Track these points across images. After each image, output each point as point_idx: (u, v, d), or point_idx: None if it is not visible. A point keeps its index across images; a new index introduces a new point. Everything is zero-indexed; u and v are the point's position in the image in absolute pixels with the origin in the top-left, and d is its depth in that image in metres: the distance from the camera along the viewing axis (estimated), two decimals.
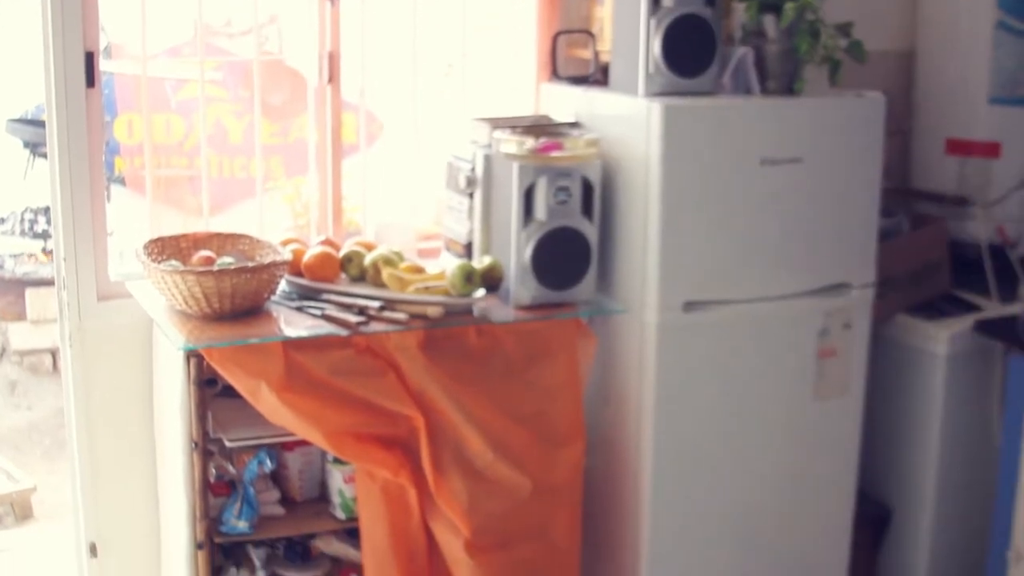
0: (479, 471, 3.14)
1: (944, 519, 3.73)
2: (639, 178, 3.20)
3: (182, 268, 3.02)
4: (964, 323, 3.62)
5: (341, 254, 3.31)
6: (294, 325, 3.03)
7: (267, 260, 3.15)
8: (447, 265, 3.27)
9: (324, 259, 3.27)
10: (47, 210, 6.65)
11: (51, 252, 5.34)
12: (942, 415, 3.64)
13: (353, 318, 3.05)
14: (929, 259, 3.79)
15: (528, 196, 3.17)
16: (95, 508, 3.45)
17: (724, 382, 3.34)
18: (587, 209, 3.24)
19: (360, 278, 3.29)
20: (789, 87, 3.34)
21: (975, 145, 3.92)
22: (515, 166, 3.16)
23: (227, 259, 3.15)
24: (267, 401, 2.92)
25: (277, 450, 3.21)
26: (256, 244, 3.30)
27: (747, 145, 3.23)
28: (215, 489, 3.13)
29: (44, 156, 6.18)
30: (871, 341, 3.55)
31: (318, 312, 3.10)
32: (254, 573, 3.25)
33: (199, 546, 3.03)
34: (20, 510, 5.21)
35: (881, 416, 3.75)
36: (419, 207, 3.84)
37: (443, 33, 3.89)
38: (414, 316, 3.08)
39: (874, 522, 3.82)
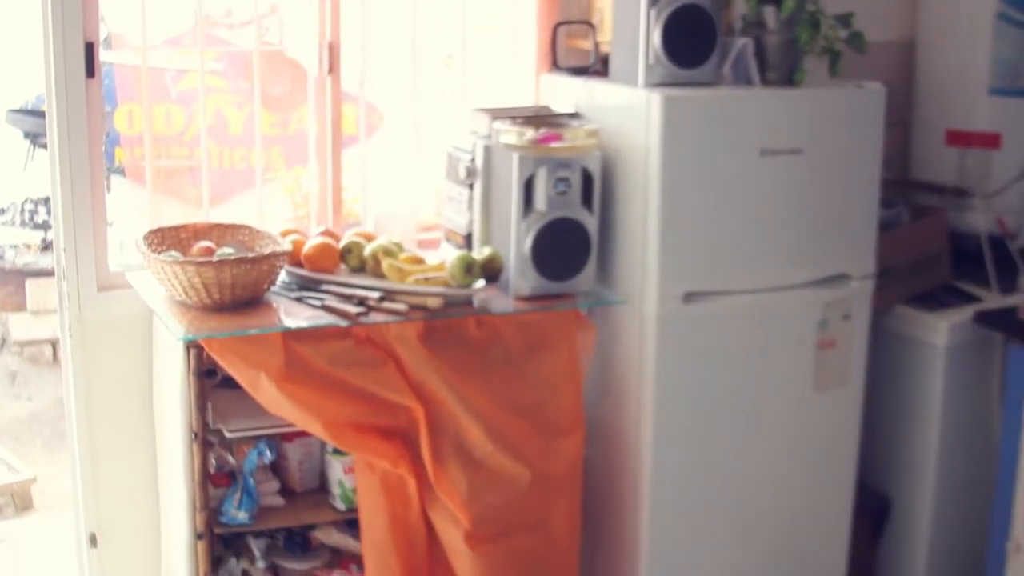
0: (478, 462, 3.14)
1: (944, 510, 3.73)
2: (639, 169, 3.20)
3: (182, 259, 3.02)
4: (964, 314, 3.62)
5: (341, 245, 3.31)
6: (294, 316, 3.03)
7: (267, 251, 3.15)
8: (447, 256, 3.27)
9: (324, 250, 3.27)
10: (47, 201, 6.66)
11: (51, 243, 5.34)
12: (942, 406, 3.65)
13: (353, 309, 3.05)
14: (929, 250, 3.79)
15: (528, 187, 3.17)
16: (95, 499, 3.45)
17: (724, 373, 3.34)
18: (587, 200, 3.23)
19: (360, 269, 3.29)
20: (789, 78, 3.34)
21: (975, 136, 3.92)
22: (515, 157, 3.15)
23: (227, 250, 3.14)
24: (267, 392, 2.92)
25: (277, 441, 3.21)
26: (256, 235, 3.30)
27: (747, 136, 3.23)
28: (215, 480, 3.14)
29: (44, 147, 6.19)
30: (871, 332, 3.55)
31: (318, 303, 3.10)
32: (254, 564, 3.26)
33: (199, 537, 3.03)
34: (20, 501, 5.22)
35: (881, 407, 3.75)
36: (419, 198, 3.84)
37: (443, 24, 3.89)
38: (414, 307, 3.08)
39: (874, 513, 3.82)
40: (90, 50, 3.23)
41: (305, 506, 3.25)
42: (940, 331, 3.60)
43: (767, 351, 3.38)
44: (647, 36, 3.21)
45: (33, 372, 6.83)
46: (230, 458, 3.20)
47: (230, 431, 3.08)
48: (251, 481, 3.13)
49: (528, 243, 3.18)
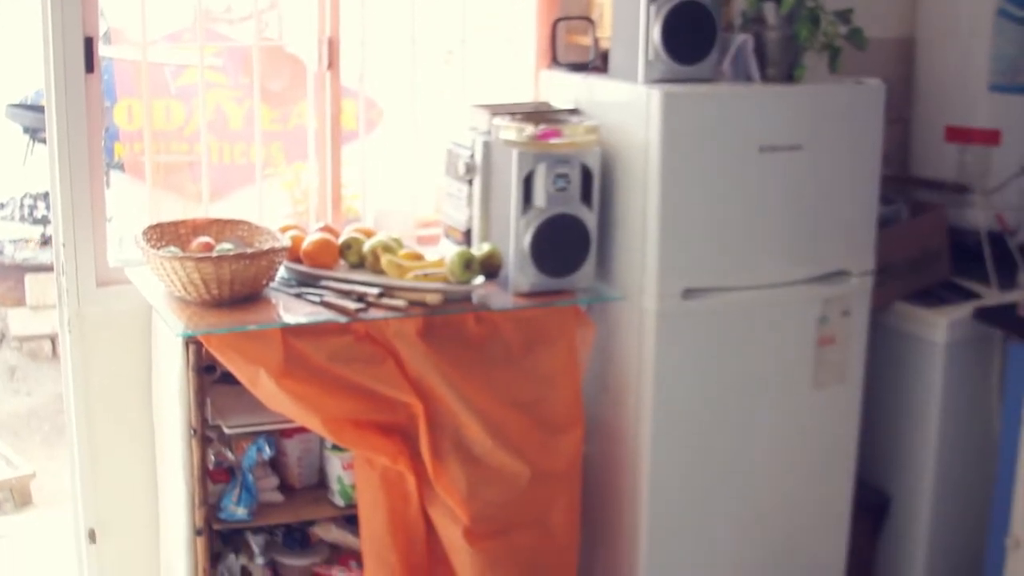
0: (478, 458, 3.14)
1: (943, 506, 3.73)
2: (638, 165, 3.20)
3: (181, 254, 3.02)
4: (963, 311, 3.61)
5: (340, 241, 3.31)
6: (293, 312, 3.03)
7: (266, 246, 3.15)
8: (446, 252, 3.27)
9: (323, 246, 3.26)
10: (46, 196, 6.65)
11: (50, 238, 5.34)
12: (941, 403, 3.64)
13: (352, 305, 3.04)
14: (928, 247, 3.78)
15: (527, 183, 3.17)
16: (94, 494, 3.45)
17: (723, 369, 3.34)
18: (586, 196, 3.23)
19: (359, 265, 3.29)
20: (789, 74, 3.34)
21: (975, 132, 3.92)
22: (514, 153, 3.15)
23: (226, 245, 3.15)
24: (266, 388, 2.92)
25: (276, 437, 3.21)
26: (255, 230, 3.30)
27: (746, 132, 3.22)
28: (214, 476, 3.13)
29: (43, 142, 6.18)
30: (870, 329, 3.55)
31: (317, 299, 3.10)
32: (253, 560, 3.26)
33: (198, 532, 3.03)
34: (19, 496, 5.22)
35: (880, 404, 3.75)
36: (418, 194, 3.83)
37: (443, 19, 3.89)
38: (413, 303, 3.08)
39: (873, 509, 3.82)
40: (89, 45, 3.23)
41: (304, 502, 3.25)
42: (939, 328, 3.60)
43: (766, 347, 3.38)
44: (647, 32, 3.21)
45: (32, 367, 6.84)
46: (229, 454, 3.20)
47: (229, 427, 3.08)
48: (250, 477, 3.12)
49: (527, 239, 3.18)
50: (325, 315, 3.02)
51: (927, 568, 3.78)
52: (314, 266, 3.25)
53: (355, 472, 3.13)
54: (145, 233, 3.16)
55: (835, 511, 3.61)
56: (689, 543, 3.44)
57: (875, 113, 3.38)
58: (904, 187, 4.02)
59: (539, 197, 3.17)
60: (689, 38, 3.23)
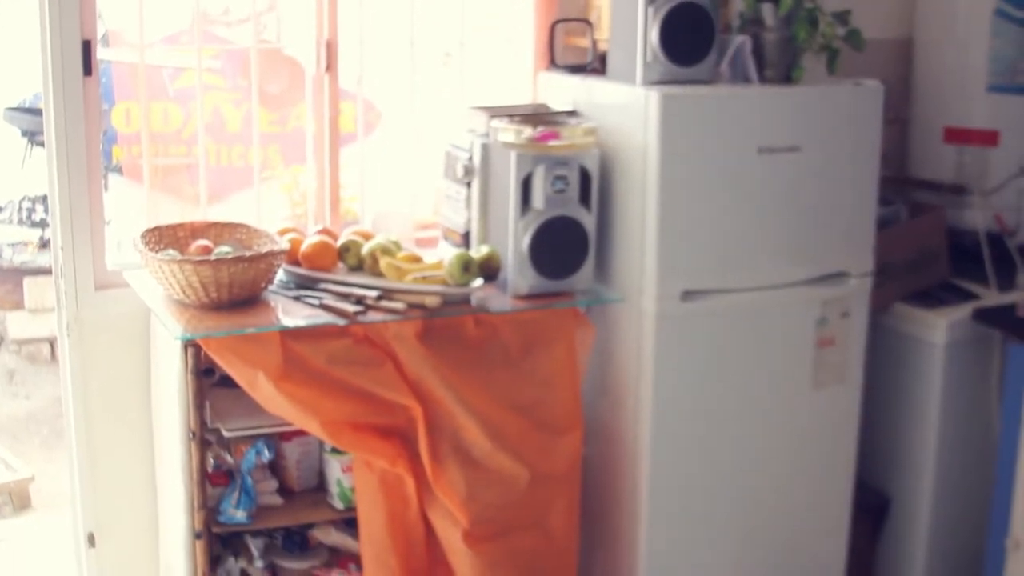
0: (477, 461, 3.14)
1: (943, 507, 3.73)
2: (637, 167, 3.20)
3: (179, 257, 3.02)
4: (962, 312, 3.61)
5: (339, 243, 3.31)
6: (292, 314, 3.03)
7: (264, 249, 3.15)
8: (445, 254, 3.27)
9: (322, 248, 3.26)
10: (45, 199, 6.65)
11: (48, 241, 5.34)
12: (940, 403, 3.64)
13: (351, 307, 3.04)
14: (927, 248, 3.78)
15: (526, 185, 3.17)
16: (93, 498, 3.45)
17: (722, 371, 3.34)
18: (585, 198, 3.23)
19: (358, 267, 3.28)
20: (787, 75, 3.34)
21: (973, 133, 3.92)
22: (513, 155, 3.15)
23: (224, 248, 3.14)
24: (265, 391, 2.92)
25: (275, 440, 3.20)
26: (254, 233, 3.29)
27: (745, 134, 3.22)
28: (213, 479, 3.13)
29: (42, 145, 6.18)
30: (869, 330, 3.55)
31: (316, 301, 3.09)
32: (252, 563, 3.26)
33: (197, 536, 3.03)
34: (18, 500, 5.21)
35: (879, 405, 3.75)
36: (417, 196, 3.83)
37: (441, 21, 3.88)
38: (412, 305, 3.07)
39: (873, 511, 3.82)
40: (87, 48, 3.22)
41: (303, 505, 3.25)
42: (939, 329, 3.60)
43: (766, 349, 3.38)
44: (645, 34, 3.21)
45: (31, 370, 6.83)
46: (228, 457, 3.19)
47: (228, 430, 3.08)
48: (249, 480, 3.12)
49: (526, 241, 3.18)
50: (324, 318, 3.01)
51: (927, 569, 3.77)
52: (313, 269, 3.25)
53: (354, 475, 3.13)
54: (143, 236, 3.16)
55: (835, 512, 3.61)
56: (689, 545, 3.43)
57: (873, 114, 3.38)
58: (903, 188, 4.02)
59: (538, 199, 3.17)
60: (687, 40, 3.22)
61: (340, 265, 3.31)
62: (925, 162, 4.08)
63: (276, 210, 4.08)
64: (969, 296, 3.70)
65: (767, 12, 3.32)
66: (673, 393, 3.30)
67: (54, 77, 3.20)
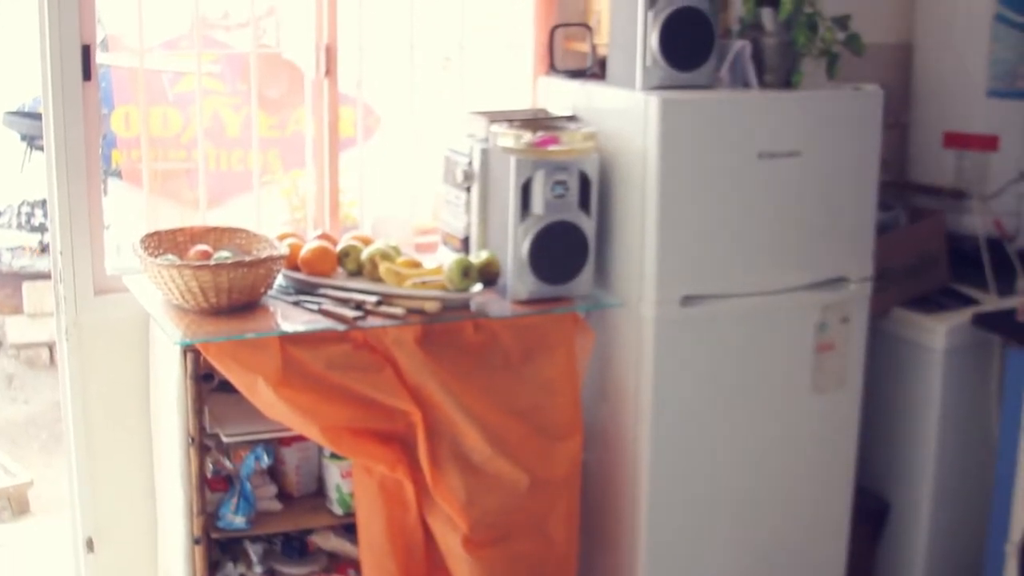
0: (477, 466, 3.14)
1: (942, 512, 3.73)
2: (636, 172, 3.20)
3: (179, 263, 3.02)
4: (962, 317, 3.61)
5: (338, 248, 3.31)
6: (291, 320, 3.02)
7: (264, 254, 3.14)
8: (444, 259, 3.26)
9: (321, 253, 3.26)
10: (44, 203, 6.64)
11: (48, 246, 5.34)
12: (940, 409, 3.64)
13: (350, 313, 3.04)
14: (927, 252, 3.78)
15: (525, 190, 3.16)
16: (92, 503, 3.44)
17: (722, 376, 3.34)
18: (584, 203, 3.23)
19: (357, 272, 3.28)
20: (787, 80, 3.34)
21: (973, 138, 3.92)
22: (512, 160, 3.15)
23: (224, 253, 3.14)
24: (264, 396, 2.92)
25: (274, 445, 3.20)
26: (253, 238, 3.29)
27: (745, 139, 3.22)
28: (212, 484, 3.13)
29: (41, 149, 6.18)
30: (869, 335, 3.54)
31: (315, 307, 3.09)
32: (251, 568, 3.25)
33: (196, 541, 3.03)
34: (17, 504, 5.20)
35: (879, 410, 3.75)
36: (416, 201, 3.83)
37: (441, 26, 3.88)
38: (411, 311, 3.07)
39: (872, 516, 3.82)
40: (86, 53, 3.22)
41: (302, 511, 3.25)
42: (938, 334, 3.60)
43: (765, 354, 3.38)
44: (644, 38, 3.21)
45: (30, 375, 6.83)
46: (227, 462, 3.19)
47: (227, 435, 3.08)
48: (248, 486, 3.12)
49: (525, 246, 3.17)
50: (323, 323, 3.01)
51: (927, 574, 3.77)
52: (312, 274, 3.24)
53: (353, 480, 3.12)
54: (143, 241, 3.16)
55: (835, 517, 3.61)
56: (688, 550, 3.43)
57: (873, 119, 3.38)
58: (902, 193, 4.02)
59: (537, 204, 3.17)
60: (687, 44, 3.22)
61: (339, 270, 3.30)
62: (925, 167, 4.08)
63: (275, 215, 4.07)
64: (969, 301, 3.70)
65: (767, 17, 3.32)
66: (673, 398, 3.29)
67: (53, 81, 3.20)
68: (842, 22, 3.35)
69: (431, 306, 3.07)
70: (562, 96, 3.57)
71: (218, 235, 3.30)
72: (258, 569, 3.25)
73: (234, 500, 3.10)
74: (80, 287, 3.32)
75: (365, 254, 3.26)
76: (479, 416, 3.11)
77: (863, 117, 3.37)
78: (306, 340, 2.97)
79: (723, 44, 3.33)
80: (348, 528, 3.23)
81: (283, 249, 3.19)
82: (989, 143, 3.88)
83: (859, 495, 3.65)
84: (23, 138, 8.08)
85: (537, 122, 3.35)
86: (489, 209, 3.30)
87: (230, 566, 3.24)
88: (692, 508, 3.40)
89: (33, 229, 7.87)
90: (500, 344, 3.16)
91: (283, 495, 3.25)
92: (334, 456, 3.18)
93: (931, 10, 4.05)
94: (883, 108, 3.39)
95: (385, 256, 3.23)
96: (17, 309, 7.23)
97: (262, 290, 3.10)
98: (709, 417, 3.35)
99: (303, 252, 3.26)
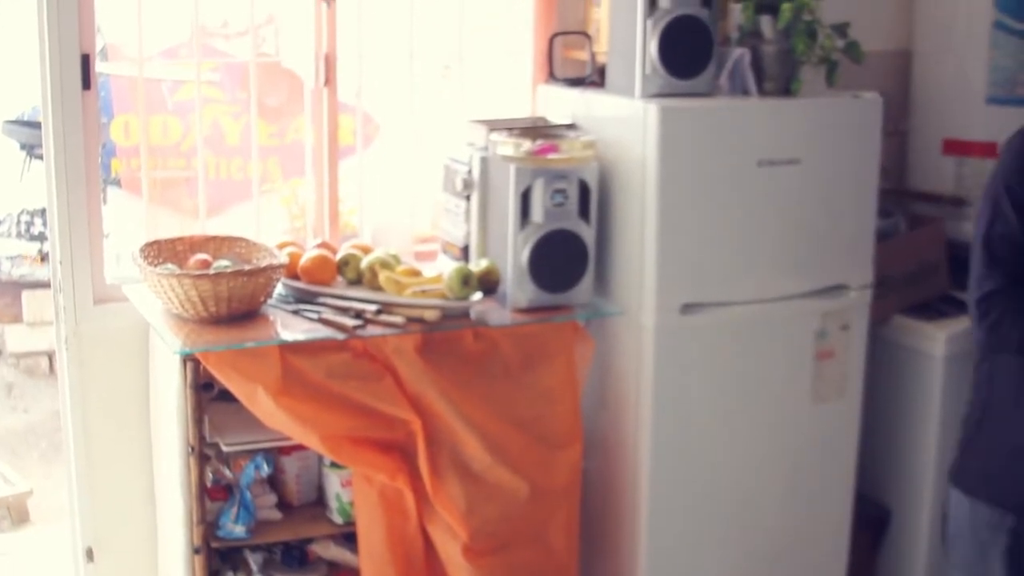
0: (477, 475, 3.14)
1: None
2: (636, 180, 3.20)
3: (178, 271, 3.02)
4: (962, 324, 3.59)
5: (338, 257, 3.31)
6: (291, 329, 3.02)
7: (263, 263, 3.14)
8: (444, 268, 3.26)
9: (321, 262, 3.26)
10: (43, 212, 6.64)
11: (47, 255, 5.34)
12: (940, 416, 3.64)
13: (350, 321, 3.04)
14: (927, 260, 3.78)
15: (525, 198, 3.16)
16: (92, 512, 3.44)
17: (722, 384, 3.34)
18: (584, 211, 3.23)
19: (357, 281, 3.28)
20: (786, 88, 3.34)
21: (972, 145, 3.92)
22: (512, 168, 3.15)
23: (223, 262, 3.14)
24: (264, 405, 2.92)
25: (274, 454, 3.20)
26: (252, 247, 3.29)
27: (744, 146, 3.22)
28: (212, 493, 3.13)
29: (40, 158, 6.17)
30: (869, 342, 3.54)
31: (315, 316, 3.09)
32: None
33: (196, 551, 3.02)
34: (16, 514, 5.20)
35: (879, 417, 3.74)
36: (416, 209, 3.83)
37: (440, 35, 3.88)
38: (411, 319, 3.07)
39: (873, 523, 3.82)
40: (86, 62, 3.22)
41: (302, 520, 3.25)
42: (938, 341, 3.60)
43: (765, 362, 3.37)
44: (644, 47, 3.21)
45: (29, 384, 6.82)
46: (227, 472, 3.19)
47: (227, 444, 3.08)
48: (248, 495, 3.12)
49: (525, 255, 3.17)
50: (323, 332, 3.01)
51: None
52: (312, 283, 3.24)
53: (353, 489, 3.12)
54: (142, 250, 3.16)
55: (835, 525, 3.60)
56: (689, 559, 3.43)
57: (872, 126, 3.38)
58: (902, 200, 4.02)
59: (537, 212, 3.17)
60: (686, 52, 3.22)
61: (339, 279, 3.30)
62: (924, 174, 4.08)
63: (275, 223, 4.07)
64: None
65: (766, 24, 3.32)
66: (673, 406, 3.29)
67: (53, 90, 3.20)
68: (841, 29, 3.35)
69: (431, 315, 3.07)
70: (561, 104, 3.57)
71: (218, 244, 3.30)
72: None
73: (234, 509, 3.10)
74: (80, 296, 3.32)
75: (365, 263, 3.26)
76: (479, 425, 3.11)
77: (862, 124, 3.37)
78: (306, 349, 2.97)
79: (722, 52, 3.33)
80: (348, 537, 3.23)
81: (283, 258, 3.19)
82: (989, 150, 3.88)
83: (859, 502, 3.65)
84: (22, 147, 8.06)
85: (536, 130, 3.35)
86: (489, 217, 3.30)
87: (230, 575, 3.24)
88: (692, 516, 3.40)
89: (32, 238, 7.86)
90: (500, 353, 3.16)
91: (283, 504, 3.25)
92: (334, 465, 3.18)
93: (930, 17, 4.06)
94: (882, 115, 3.39)
95: (385, 265, 3.23)
96: (17, 318, 7.22)
97: (262, 299, 3.10)
98: (709, 425, 3.35)
99: (303, 261, 3.26)
